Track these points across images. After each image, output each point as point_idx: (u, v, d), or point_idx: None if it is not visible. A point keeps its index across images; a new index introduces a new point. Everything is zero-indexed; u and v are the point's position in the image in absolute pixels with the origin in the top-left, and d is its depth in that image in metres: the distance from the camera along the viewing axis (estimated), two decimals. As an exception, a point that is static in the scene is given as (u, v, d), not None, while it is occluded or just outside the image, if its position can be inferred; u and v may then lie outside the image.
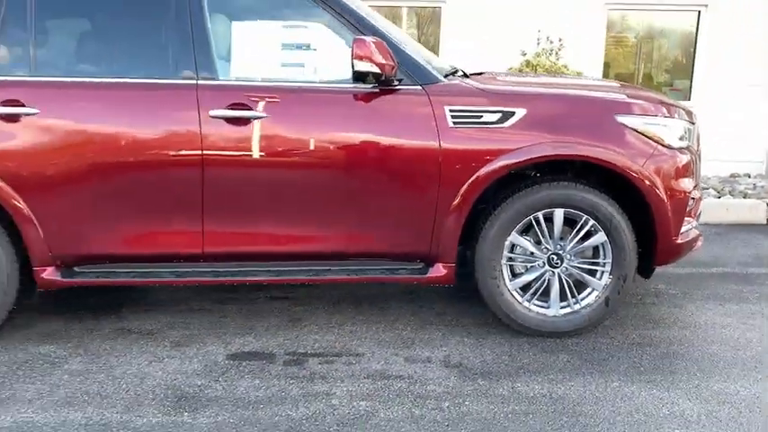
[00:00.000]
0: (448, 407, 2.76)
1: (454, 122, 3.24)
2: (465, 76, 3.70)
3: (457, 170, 3.25)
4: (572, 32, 7.72)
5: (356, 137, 3.29)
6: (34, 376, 3.04)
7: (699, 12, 8.52)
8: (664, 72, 9.30)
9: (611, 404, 2.78)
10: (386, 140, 3.28)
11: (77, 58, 3.36)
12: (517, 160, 3.23)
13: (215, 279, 3.40)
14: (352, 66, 3.12)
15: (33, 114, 3.18)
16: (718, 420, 2.66)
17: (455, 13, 8.37)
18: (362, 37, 3.12)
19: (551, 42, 7.33)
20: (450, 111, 3.24)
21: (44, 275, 3.33)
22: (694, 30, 8.62)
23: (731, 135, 8.03)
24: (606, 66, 8.76)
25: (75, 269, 3.40)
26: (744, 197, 6.62)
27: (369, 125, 3.29)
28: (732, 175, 7.99)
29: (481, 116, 3.26)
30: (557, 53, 7.26)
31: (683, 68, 8.97)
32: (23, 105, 3.18)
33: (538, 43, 7.34)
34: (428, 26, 8.83)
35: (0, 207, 3.24)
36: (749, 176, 8.00)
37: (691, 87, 8.66)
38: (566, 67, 7.15)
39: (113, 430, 2.59)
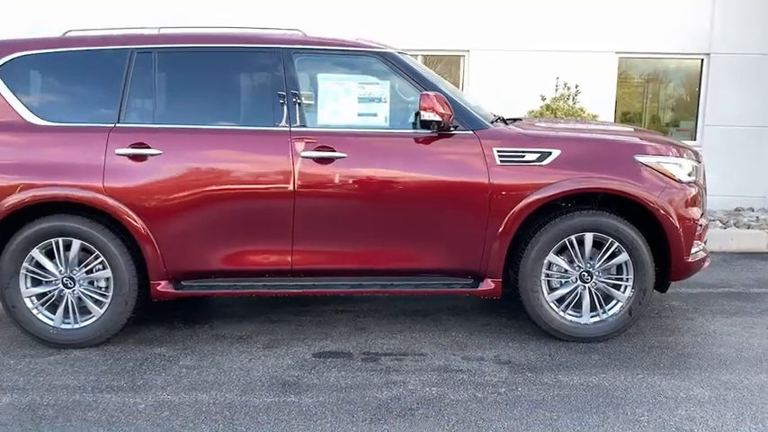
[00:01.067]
0: (504, 392, 3.39)
1: (501, 161, 3.94)
2: (504, 122, 4.41)
3: (503, 201, 3.93)
4: (586, 78, 8.46)
5: (418, 173, 3.98)
6: (157, 370, 3.69)
7: (702, 59, 9.28)
8: (671, 113, 10.01)
9: (638, 390, 3.40)
10: (444, 177, 3.97)
11: (191, 110, 4.08)
12: (554, 192, 3.91)
13: (301, 291, 4.06)
14: (419, 115, 3.84)
15: (157, 155, 3.90)
16: (725, 401, 3.28)
17: (478, 61, 9.15)
18: (427, 92, 3.84)
19: (568, 88, 8.07)
20: (498, 151, 3.94)
21: (159, 288, 4.01)
22: (699, 75, 9.36)
23: (736, 172, 8.72)
24: (617, 108, 9.48)
25: (182, 283, 4.07)
26: (747, 228, 7.26)
27: (429, 164, 3.98)
28: (737, 209, 8.64)
29: (524, 156, 3.95)
30: (573, 98, 7.99)
31: (689, 110, 9.66)
32: (149, 147, 3.90)
33: (556, 89, 8.09)
34: (453, 71, 9.59)
35: (126, 231, 3.93)
36: (752, 210, 8.65)
37: (696, 128, 9.35)
38: (582, 110, 7.87)
39: (237, 407, 3.23)
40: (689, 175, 4.11)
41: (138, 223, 3.90)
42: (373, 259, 4.05)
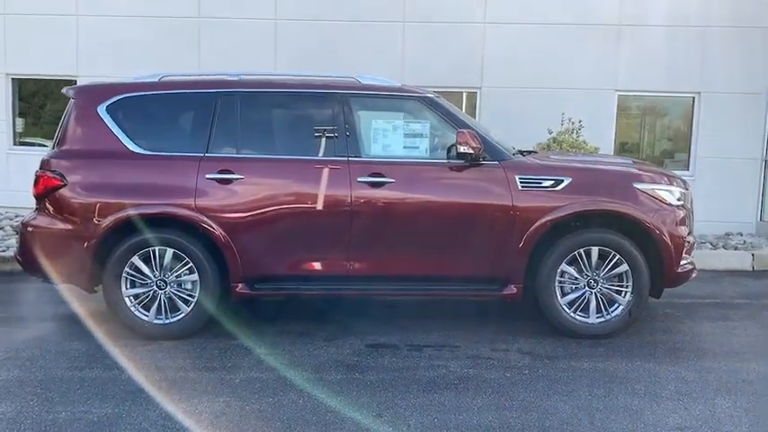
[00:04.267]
0: (527, 373, 4.18)
1: (522, 187, 4.78)
2: (522, 153, 5.26)
3: (525, 220, 4.76)
4: (588, 114, 9.36)
5: (453, 196, 4.83)
6: (239, 356, 4.48)
7: (693, 97, 10.20)
8: (666, 146, 10.90)
9: (637, 372, 4.20)
10: (474, 199, 4.82)
11: (266, 142, 4.94)
12: (567, 213, 4.74)
13: (356, 293, 4.89)
14: (456, 148, 4.69)
15: (239, 179, 4.74)
16: (707, 380, 4.08)
17: (489, 96, 10.07)
18: (463, 130, 4.70)
19: (572, 123, 8.96)
20: (520, 179, 4.78)
21: (238, 289, 4.82)
22: (691, 111, 10.27)
23: (726, 200, 9.60)
24: (616, 141, 10.37)
25: (255, 285, 4.87)
26: (734, 249, 8.09)
27: (462, 189, 4.84)
28: (727, 234, 9.47)
29: (541, 182, 4.79)
30: (577, 131, 8.88)
31: (683, 143, 10.55)
32: (232, 173, 4.75)
33: (562, 123, 8.98)
34: (465, 107, 10.50)
35: (211, 241, 4.75)
36: (741, 234, 9.48)
37: (689, 159, 10.24)
38: (584, 142, 8.75)
39: (314, 381, 4.02)
40: (678, 199, 4.95)
41: (222, 235, 4.72)
42: (415, 267, 4.87)
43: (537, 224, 4.75)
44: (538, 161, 4.98)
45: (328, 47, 10.15)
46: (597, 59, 10.07)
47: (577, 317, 4.87)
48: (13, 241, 7.97)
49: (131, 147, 4.83)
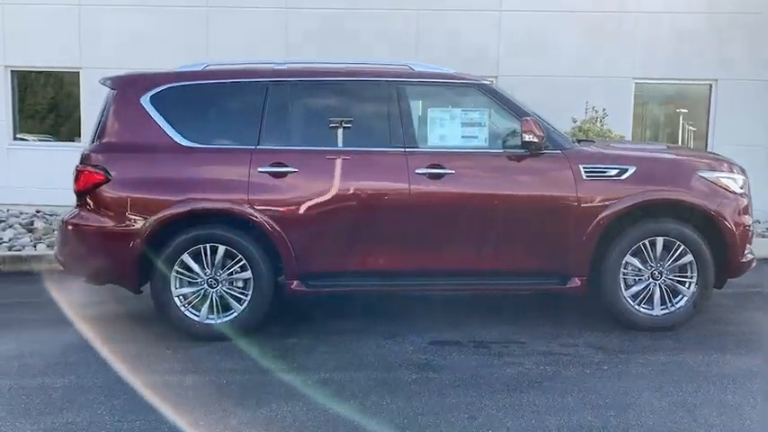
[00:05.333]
0: (607, 368, 4.05)
1: (587, 176, 4.63)
2: (578, 142, 5.11)
3: (590, 210, 4.61)
4: (606, 102, 9.24)
5: (516, 187, 4.66)
6: (302, 355, 4.29)
7: (710, 85, 10.14)
8: (682, 133, 10.84)
9: (717, 366, 4.09)
10: (538, 190, 4.66)
11: (319, 133, 4.73)
12: (633, 202, 4.60)
13: (414, 289, 4.74)
14: (521, 137, 4.52)
15: (294, 172, 4.54)
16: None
17: (506, 85, 9.90)
18: (527, 117, 4.54)
19: (596, 111, 8.85)
20: (584, 168, 4.63)
21: (293, 286, 4.62)
22: (708, 98, 10.22)
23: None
24: (633, 129, 10.28)
25: (310, 282, 4.68)
26: (762, 237, 8.04)
27: (524, 179, 4.67)
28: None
29: (606, 171, 4.65)
30: (601, 120, 8.77)
31: (700, 130, 10.50)
32: (286, 166, 4.54)
33: (586, 112, 8.86)
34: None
35: (265, 237, 4.54)
36: (759, 222, 9.45)
37: (706, 147, 10.19)
38: (609, 131, 8.64)
39: (390, 382, 3.85)
40: (740, 187, 4.83)
41: (276, 230, 4.51)
42: (476, 261, 4.70)
43: (603, 215, 4.60)
44: (601, 150, 4.84)
45: (341, 36, 9.92)
46: (614, 47, 9.97)
47: (641, 309, 4.74)
48: (27, 239, 7.70)
49: (178, 139, 4.60)
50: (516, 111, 4.74)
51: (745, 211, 4.80)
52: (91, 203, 4.57)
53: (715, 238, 4.72)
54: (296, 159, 4.57)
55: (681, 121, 10.82)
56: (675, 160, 4.91)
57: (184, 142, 4.59)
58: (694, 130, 10.68)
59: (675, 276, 4.74)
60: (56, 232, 5.07)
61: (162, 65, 9.88)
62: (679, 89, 10.62)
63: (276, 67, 4.81)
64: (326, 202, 4.56)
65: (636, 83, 10.20)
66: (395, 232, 4.62)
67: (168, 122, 4.62)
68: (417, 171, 4.58)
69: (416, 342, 4.54)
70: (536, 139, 4.52)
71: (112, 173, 4.51)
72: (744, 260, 4.81)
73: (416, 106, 4.77)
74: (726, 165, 4.92)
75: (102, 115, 4.74)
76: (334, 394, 3.68)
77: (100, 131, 4.70)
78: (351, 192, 4.58)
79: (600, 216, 4.60)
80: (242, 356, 4.28)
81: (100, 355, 4.32)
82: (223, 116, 4.74)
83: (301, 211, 4.55)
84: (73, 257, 4.66)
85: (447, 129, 4.77)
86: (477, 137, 4.78)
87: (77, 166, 4.64)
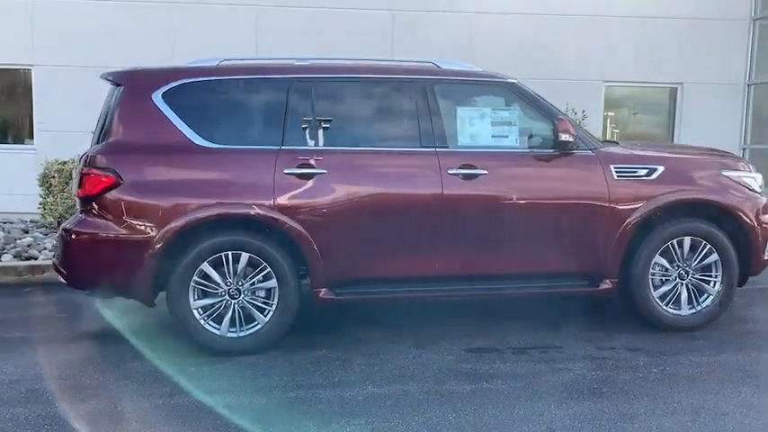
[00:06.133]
0: (656, 371, 3.98)
1: (618, 176, 4.56)
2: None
3: (621, 211, 4.54)
4: (577, 104, 9.31)
5: (548, 187, 4.55)
6: (339, 368, 4.03)
7: (676, 88, 10.43)
8: (649, 133, 11.08)
9: (763, 364, 4.08)
10: (570, 190, 4.56)
11: (347, 133, 4.48)
12: (664, 202, 4.56)
13: (446, 295, 4.54)
14: (557, 136, 4.42)
15: (322, 174, 4.28)
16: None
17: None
18: (563, 117, 4.43)
19: (575, 113, 8.90)
20: (615, 168, 4.57)
21: (321, 295, 4.35)
22: (674, 99, 10.50)
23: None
24: (604, 129, 10.45)
25: (337, 290, 4.42)
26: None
27: (557, 180, 4.56)
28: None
29: (636, 171, 4.60)
30: (581, 122, 8.82)
31: (666, 129, 10.76)
32: (313, 167, 4.28)
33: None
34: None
35: (293, 243, 4.26)
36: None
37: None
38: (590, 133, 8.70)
39: (445, 394, 3.64)
40: (759, 186, 4.89)
41: (304, 235, 4.24)
42: (508, 265, 4.56)
43: (635, 215, 4.55)
44: (630, 150, 4.80)
45: (314, 35, 9.66)
46: (585, 50, 10.11)
47: (670, 310, 4.72)
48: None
49: (196, 140, 4.26)
50: (546, 110, 4.64)
51: (765, 209, 4.85)
52: (99, 209, 4.17)
53: (739, 236, 4.75)
54: (323, 160, 4.31)
55: (647, 122, 11.10)
56: (701, 160, 4.91)
57: (203, 143, 4.25)
58: (652, 131, 10.98)
59: (702, 276, 4.74)
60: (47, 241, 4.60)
61: (123, 63, 9.38)
62: (646, 92, 10.86)
63: (298, 63, 4.53)
64: (356, 204, 4.32)
65: (606, 86, 10.37)
66: (427, 235, 4.42)
67: (184, 121, 4.27)
68: (450, 171, 4.40)
69: (452, 350, 4.36)
70: (571, 139, 4.43)
71: (124, 176, 4.13)
72: (766, 257, 4.85)
73: (446, 105, 4.58)
74: (745, 164, 4.97)
75: (107, 113, 4.34)
76: (393, 410, 3.45)
77: (105, 130, 4.30)
78: (381, 194, 4.36)
79: (632, 216, 4.55)
80: (275, 372, 3.99)
81: (115, 375, 3.94)
82: (243, 115, 4.42)
83: (330, 214, 4.29)
84: (78, 269, 4.24)
85: (477, 128, 4.61)
86: (507, 136, 4.64)
87: (82, 170, 4.23)
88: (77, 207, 4.47)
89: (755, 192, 4.81)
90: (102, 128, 4.37)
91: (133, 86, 4.33)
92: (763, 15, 10.27)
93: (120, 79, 4.38)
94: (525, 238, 4.54)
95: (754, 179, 4.84)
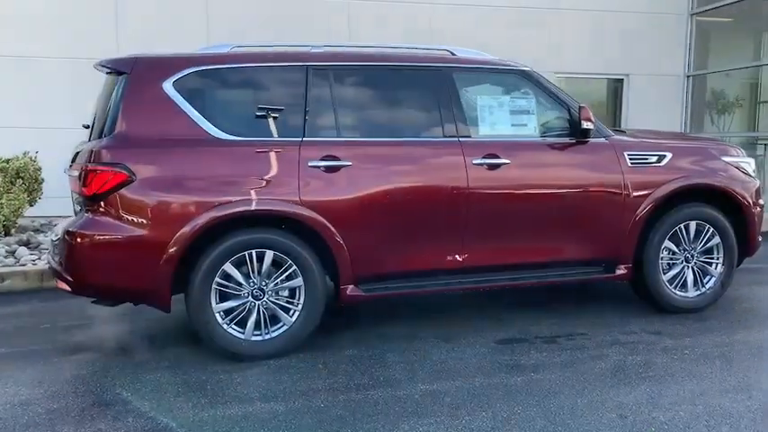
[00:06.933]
0: (688, 353, 4.07)
1: (631, 163, 4.64)
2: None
3: (636, 197, 4.63)
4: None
5: (570, 175, 4.56)
6: (379, 367, 3.89)
7: (623, 79, 10.81)
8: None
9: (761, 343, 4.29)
10: (589, 178, 4.59)
11: (369, 123, 4.32)
12: (675, 187, 4.67)
13: (472, 287, 4.47)
14: (580, 124, 4.44)
15: (347, 166, 4.10)
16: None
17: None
18: (584, 105, 4.45)
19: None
20: (629, 155, 4.64)
21: (348, 292, 4.19)
22: (620, 91, 10.89)
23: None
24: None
25: (365, 286, 4.27)
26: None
27: (576, 167, 4.58)
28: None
29: (647, 159, 4.69)
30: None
31: (612, 120, 11.15)
32: (338, 159, 4.10)
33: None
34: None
35: (319, 238, 4.07)
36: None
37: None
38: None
39: (501, 388, 3.57)
40: (753, 170, 5.11)
41: (331, 231, 4.06)
42: (530, 254, 4.55)
43: (648, 201, 4.64)
44: (640, 138, 4.90)
45: (269, 24, 9.35)
46: (536, 42, 10.30)
47: (678, 292, 4.86)
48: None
49: (213, 131, 3.98)
50: (560, 98, 4.65)
51: (759, 193, 5.07)
52: (108, 209, 3.82)
53: (738, 219, 4.94)
54: (348, 152, 4.14)
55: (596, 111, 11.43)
56: (703, 147, 5.07)
57: (221, 135, 3.98)
58: (602, 118, 11.31)
59: (705, 259, 4.91)
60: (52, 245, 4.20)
61: (62, 51, 8.76)
62: (594, 83, 11.20)
63: (314, 50, 4.32)
64: (382, 197, 4.18)
65: (557, 77, 10.59)
66: (453, 227, 4.34)
67: (199, 112, 3.98)
68: (474, 162, 4.33)
69: (481, 343, 4.30)
70: (593, 127, 4.47)
71: (137, 172, 3.81)
72: (760, 239, 5.08)
73: (465, 93, 4.50)
74: (738, 150, 5.17)
75: (111, 103, 3.99)
76: (456, 406, 3.35)
77: (110, 123, 3.95)
78: (407, 185, 4.23)
79: (645, 202, 4.64)
80: (313, 375, 3.80)
81: (139, 389, 3.63)
82: (259, 105, 4.16)
83: (356, 208, 4.13)
84: (87, 275, 3.87)
85: (497, 117, 4.56)
86: (525, 125, 4.62)
87: (86, 166, 3.86)
88: (78, 207, 4.09)
89: (750, 176, 5.02)
90: (104, 120, 4.01)
91: (141, 75, 3.99)
92: (700, 10, 10.80)
93: (123, 67, 4.03)
94: (548, 227, 4.55)
95: (748, 164, 5.06)
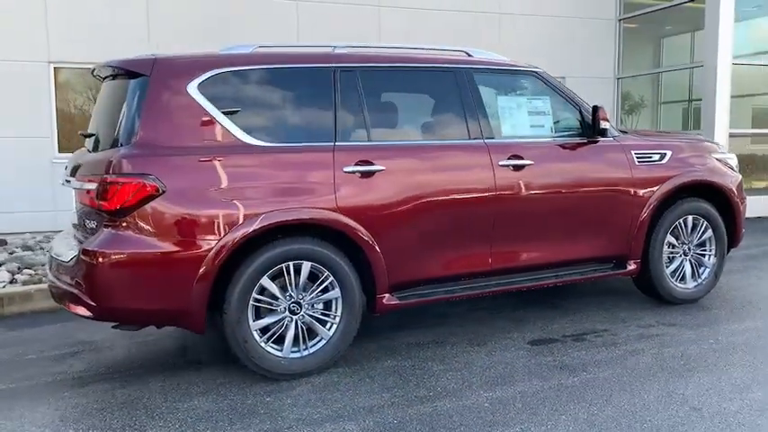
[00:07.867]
0: (713, 342, 4.24)
1: (638, 161, 4.78)
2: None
3: (643, 194, 4.77)
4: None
5: (589, 174, 4.63)
6: (425, 377, 3.78)
7: (564, 78, 11.19)
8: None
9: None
10: (603, 176, 4.68)
11: (398, 126, 4.22)
12: (677, 183, 4.86)
13: (500, 289, 4.43)
14: (598, 124, 4.53)
15: (381, 171, 3.96)
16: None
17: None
18: (601, 105, 4.54)
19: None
20: (635, 153, 4.78)
21: (384, 301, 4.05)
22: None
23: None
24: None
25: (400, 294, 4.14)
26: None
27: (591, 167, 4.66)
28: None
29: (651, 156, 4.85)
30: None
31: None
32: (372, 164, 3.95)
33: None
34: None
35: (356, 247, 3.90)
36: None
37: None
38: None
39: (561, 389, 3.56)
40: (736, 165, 5.42)
41: (368, 239, 3.91)
42: (550, 254, 4.59)
43: (654, 197, 4.80)
44: (645, 137, 5.08)
45: (216, 23, 8.97)
46: (481, 45, 10.44)
47: (679, 285, 5.06)
48: None
49: (244, 137, 3.73)
50: (572, 98, 4.73)
51: (742, 186, 5.37)
52: (135, 223, 3.48)
53: (727, 212, 5.21)
54: (382, 156, 3.99)
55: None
56: (695, 144, 5.30)
57: (252, 141, 3.74)
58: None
59: (700, 251, 5.14)
60: (64, 267, 3.76)
61: (33, 53, 8.03)
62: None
63: (339, 52, 4.14)
64: (416, 201, 4.06)
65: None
66: (482, 230, 4.30)
67: (227, 117, 3.71)
68: (500, 163, 4.31)
69: (514, 345, 4.29)
70: (608, 126, 4.57)
71: (167, 183, 3.49)
72: (744, 230, 5.39)
73: (487, 95, 4.46)
74: (720, 146, 5.46)
75: (131, 108, 3.63)
76: (530, 412, 3.30)
77: (127, 130, 3.60)
78: (440, 189, 4.14)
79: (651, 198, 4.80)
80: (365, 390, 3.63)
81: (180, 420, 3.32)
82: (287, 108, 3.94)
83: (392, 213, 4.00)
84: (113, 297, 3.50)
85: (516, 118, 4.57)
86: (543, 125, 4.65)
87: (106, 178, 3.50)
88: (91, 222, 3.71)
89: (734, 171, 5.32)
90: (115, 128, 3.66)
91: (163, 77, 3.66)
92: (626, 16, 11.38)
93: (141, 68, 3.68)
94: (569, 227, 4.60)
95: (732, 159, 5.36)
